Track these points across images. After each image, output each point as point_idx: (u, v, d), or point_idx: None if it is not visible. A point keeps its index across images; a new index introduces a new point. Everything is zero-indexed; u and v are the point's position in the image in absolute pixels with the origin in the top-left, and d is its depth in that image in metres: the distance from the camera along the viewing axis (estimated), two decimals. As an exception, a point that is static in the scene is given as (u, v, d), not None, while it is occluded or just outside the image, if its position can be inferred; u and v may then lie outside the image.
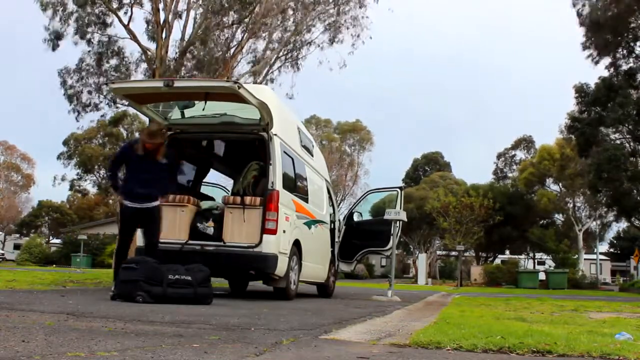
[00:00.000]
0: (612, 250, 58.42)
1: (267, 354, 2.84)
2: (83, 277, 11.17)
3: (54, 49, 14.81)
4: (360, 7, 17.04)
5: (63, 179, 43.49)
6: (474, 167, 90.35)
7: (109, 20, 14.96)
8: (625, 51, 23.88)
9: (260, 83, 15.54)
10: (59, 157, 41.18)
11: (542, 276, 29.62)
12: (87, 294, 6.73)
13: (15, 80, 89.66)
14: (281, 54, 16.90)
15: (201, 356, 2.64)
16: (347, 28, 17.04)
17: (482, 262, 40.66)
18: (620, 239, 56.24)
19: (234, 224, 7.24)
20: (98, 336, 3.08)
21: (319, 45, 17.12)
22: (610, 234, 50.78)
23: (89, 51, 15.14)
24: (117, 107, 16.91)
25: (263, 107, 7.02)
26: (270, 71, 16.77)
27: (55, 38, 14.69)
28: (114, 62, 15.49)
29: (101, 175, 37.77)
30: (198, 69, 14.92)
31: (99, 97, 15.48)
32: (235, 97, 6.86)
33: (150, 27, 15.22)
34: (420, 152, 56.98)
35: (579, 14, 23.46)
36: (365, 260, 41.71)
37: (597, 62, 23.80)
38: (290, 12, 16.14)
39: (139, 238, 7.10)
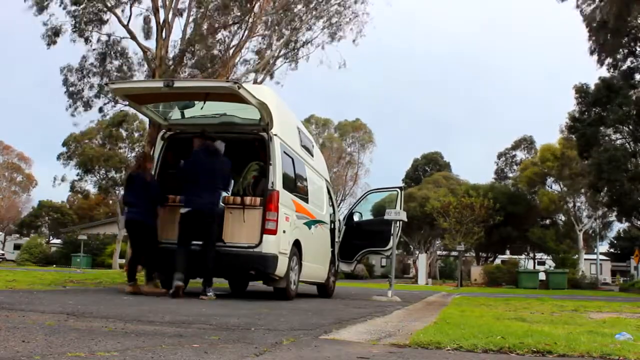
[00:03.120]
0: (612, 250, 58.40)
1: (267, 354, 2.84)
2: (83, 277, 11.16)
3: (49, 45, 14.79)
4: (361, 3, 17.11)
5: (63, 180, 43.49)
6: (474, 167, 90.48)
7: (105, 18, 14.93)
8: (626, 51, 23.90)
9: (260, 82, 15.56)
10: (58, 158, 41.19)
11: (542, 276, 29.63)
12: (87, 294, 6.73)
13: (15, 79, 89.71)
14: (282, 52, 16.93)
15: (201, 356, 2.64)
16: (349, 26, 17.08)
17: (482, 262, 40.66)
18: (620, 239, 56.22)
19: (234, 224, 7.23)
20: (98, 336, 3.07)
21: (320, 46, 17.15)
22: (611, 234, 50.81)
23: (93, 49, 15.13)
24: (120, 109, 16.91)
25: (263, 107, 7.02)
26: (270, 70, 16.80)
27: (54, 34, 14.67)
28: (116, 62, 15.49)
29: (101, 176, 37.75)
30: (197, 69, 14.91)
31: (100, 96, 15.49)
32: (235, 97, 6.86)
33: (145, 25, 15.16)
34: (420, 152, 57.03)
35: (582, 13, 23.50)
36: (365, 260, 41.71)
37: (602, 63, 23.83)
38: (292, 9, 16.16)
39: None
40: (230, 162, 7.21)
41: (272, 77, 17.04)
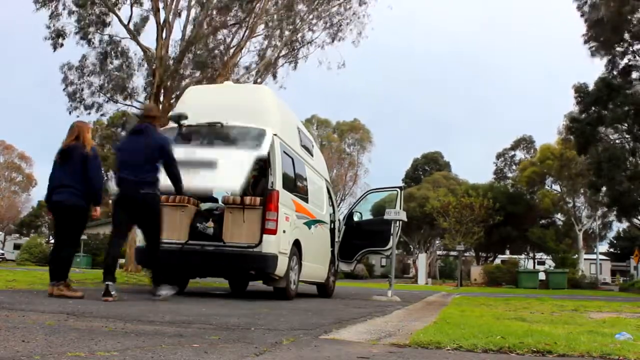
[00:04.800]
0: (612, 250, 58.42)
1: (267, 354, 2.84)
2: (83, 277, 11.16)
3: (55, 48, 14.81)
4: (360, 5, 17.13)
5: (63, 180, 43.46)
6: (473, 167, 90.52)
7: (108, 20, 14.94)
8: (623, 48, 23.92)
9: (261, 82, 15.55)
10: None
11: (542, 276, 29.64)
12: (87, 294, 6.72)
13: (15, 79, 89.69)
14: (282, 53, 16.94)
15: (201, 356, 2.64)
16: (349, 26, 17.10)
17: (482, 262, 40.69)
18: (620, 239, 56.24)
19: (234, 224, 7.23)
20: (98, 336, 3.07)
21: (320, 46, 17.17)
22: (611, 234, 50.84)
23: (94, 48, 15.14)
24: (118, 109, 16.87)
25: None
26: (270, 70, 16.80)
27: (57, 36, 14.68)
28: (117, 61, 15.50)
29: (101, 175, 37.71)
30: (198, 69, 14.91)
31: (99, 95, 15.49)
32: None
33: (139, 22, 15.13)
34: (420, 152, 57.14)
35: (580, 9, 23.51)
36: (365, 260, 41.73)
37: (600, 60, 23.88)
38: (293, 10, 16.16)
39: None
40: (163, 140, 6.22)
41: (275, 78, 17.07)
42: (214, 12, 14.65)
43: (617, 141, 25.57)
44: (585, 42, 23.72)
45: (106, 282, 5.78)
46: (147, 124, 6.22)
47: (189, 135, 7.61)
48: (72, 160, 5.88)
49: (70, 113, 15.38)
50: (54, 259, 6.21)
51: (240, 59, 16.30)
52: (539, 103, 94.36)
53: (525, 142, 44.36)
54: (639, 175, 24.09)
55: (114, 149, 6.41)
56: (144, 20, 15.19)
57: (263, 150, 7.06)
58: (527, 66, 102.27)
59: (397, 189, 10.52)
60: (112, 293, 5.71)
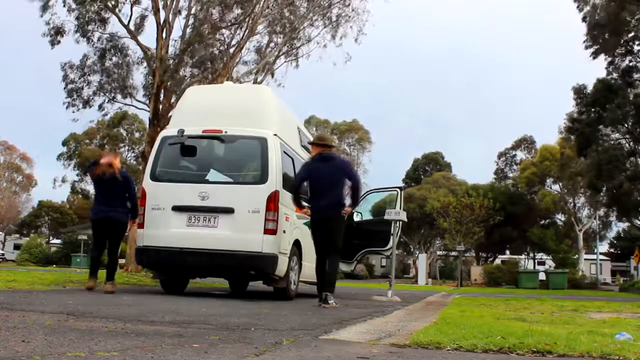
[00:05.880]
0: (612, 250, 58.40)
1: (267, 354, 2.84)
2: (83, 277, 11.15)
3: (53, 45, 14.79)
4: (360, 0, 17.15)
5: (63, 181, 43.59)
6: (474, 167, 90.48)
7: (106, 17, 14.94)
8: (623, 49, 23.92)
9: (261, 82, 15.55)
10: (58, 158, 41.26)
11: (542, 276, 29.66)
12: (87, 294, 6.72)
13: (15, 79, 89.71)
14: (282, 51, 16.93)
15: (201, 356, 2.63)
16: (348, 23, 17.12)
17: (482, 262, 40.69)
18: (620, 239, 56.20)
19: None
20: (98, 336, 3.07)
21: (320, 44, 17.16)
22: (611, 234, 50.84)
23: (95, 47, 15.11)
24: (119, 107, 16.86)
25: None
26: (271, 70, 16.78)
27: (56, 33, 14.67)
28: (115, 59, 15.48)
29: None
30: (197, 69, 14.91)
31: (99, 94, 15.48)
32: None
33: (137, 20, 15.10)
34: (421, 152, 57.17)
35: (580, 9, 23.51)
36: (365, 260, 41.72)
37: (599, 60, 23.91)
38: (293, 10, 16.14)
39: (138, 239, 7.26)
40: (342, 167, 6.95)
41: (272, 76, 17.07)
42: (214, 12, 14.65)
43: (617, 142, 25.56)
44: (587, 47, 23.75)
45: (325, 293, 6.61)
46: (332, 153, 6.99)
47: (193, 148, 7.62)
48: (112, 184, 7.12)
49: (74, 116, 15.40)
50: (93, 259, 7.46)
51: (240, 58, 16.30)
52: (539, 103, 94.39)
53: (526, 142, 44.40)
54: (639, 176, 24.08)
55: (305, 175, 7.05)
56: (144, 19, 15.19)
57: (270, 185, 7.14)
58: (527, 66, 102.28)
59: (397, 189, 10.51)
60: (331, 302, 6.52)
